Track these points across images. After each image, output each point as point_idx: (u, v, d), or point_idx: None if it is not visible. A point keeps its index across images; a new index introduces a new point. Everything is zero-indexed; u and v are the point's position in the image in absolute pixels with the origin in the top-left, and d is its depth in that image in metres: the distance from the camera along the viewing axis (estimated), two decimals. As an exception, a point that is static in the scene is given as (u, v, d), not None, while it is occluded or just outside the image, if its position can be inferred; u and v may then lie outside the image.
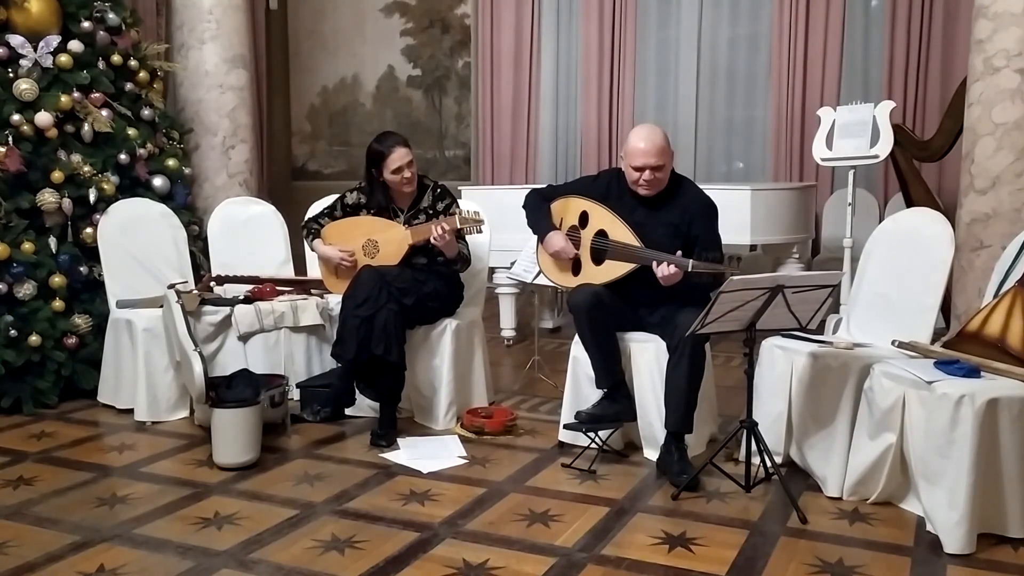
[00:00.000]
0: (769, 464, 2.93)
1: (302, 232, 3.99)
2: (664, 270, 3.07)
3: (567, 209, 3.50)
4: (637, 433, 3.41)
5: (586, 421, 3.27)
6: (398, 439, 3.53)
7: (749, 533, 2.68)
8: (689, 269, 3.03)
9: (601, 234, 3.35)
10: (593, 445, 3.29)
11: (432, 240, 3.58)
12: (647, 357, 3.32)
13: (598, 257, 3.37)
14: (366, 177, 3.80)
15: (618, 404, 3.29)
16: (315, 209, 4.20)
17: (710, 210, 3.32)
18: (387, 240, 3.73)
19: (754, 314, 2.81)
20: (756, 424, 2.94)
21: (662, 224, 3.28)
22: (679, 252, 3.12)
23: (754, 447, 2.95)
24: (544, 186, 3.71)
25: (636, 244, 3.24)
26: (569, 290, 3.47)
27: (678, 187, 3.34)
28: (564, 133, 7.36)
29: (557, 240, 3.45)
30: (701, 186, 3.43)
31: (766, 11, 6.54)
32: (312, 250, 3.97)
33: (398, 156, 3.67)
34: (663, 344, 3.23)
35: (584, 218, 3.42)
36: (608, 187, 3.42)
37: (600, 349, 3.28)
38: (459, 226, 3.60)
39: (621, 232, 3.28)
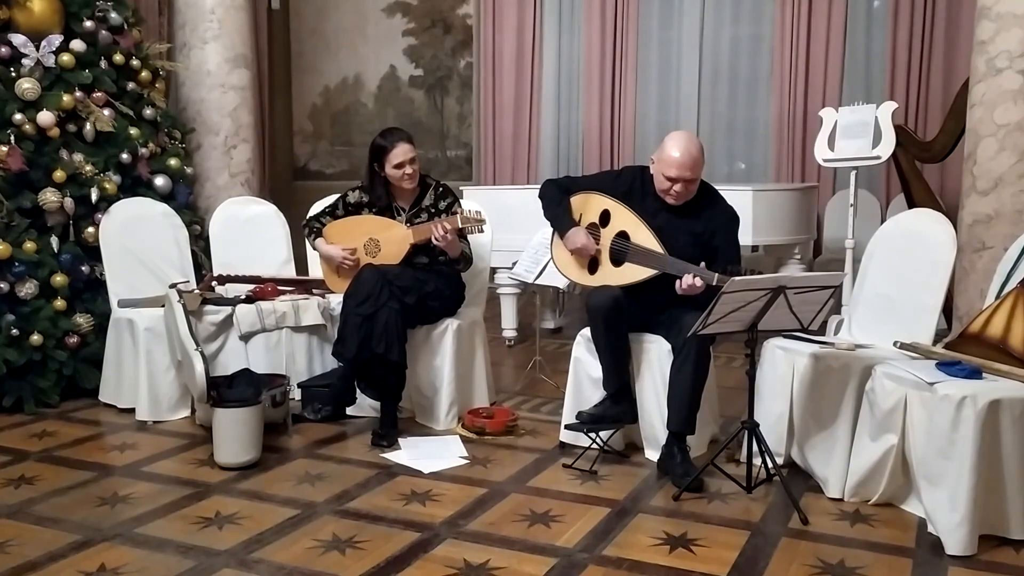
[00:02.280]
0: (770, 465, 2.93)
1: (304, 231, 3.97)
2: (688, 281, 3.02)
3: (587, 205, 3.40)
4: (638, 434, 3.40)
5: (587, 422, 3.26)
6: (399, 439, 3.53)
7: (750, 534, 2.68)
8: (714, 283, 2.94)
9: (622, 235, 3.28)
10: (594, 446, 3.29)
11: (434, 240, 3.58)
12: (650, 357, 3.31)
13: (617, 258, 3.31)
14: (368, 172, 3.78)
15: (620, 406, 3.28)
16: (317, 208, 4.20)
17: (733, 222, 3.28)
18: (389, 239, 3.73)
19: (756, 315, 2.80)
20: (757, 425, 2.94)
21: (685, 232, 3.22)
22: (702, 263, 3.06)
23: (755, 448, 2.95)
24: (562, 177, 3.61)
25: (660, 251, 3.16)
26: (586, 289, 3.41)
27: (704, 196, 3.28)
28: (566, 133, 7.36)
29: (579, 236, 3.34)
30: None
31: (768, 12, 6.54)
32: (314, 249, 3.96)
33: (401, 151, 3.66)
34: (666, 344, 3.23)
35: (606, 217, 3.34)
36: (631, 186, 3.35)
37: (613, 352, 3.24)
38: (461, 225, 3.60)
39: (644, 236, 3.21)
